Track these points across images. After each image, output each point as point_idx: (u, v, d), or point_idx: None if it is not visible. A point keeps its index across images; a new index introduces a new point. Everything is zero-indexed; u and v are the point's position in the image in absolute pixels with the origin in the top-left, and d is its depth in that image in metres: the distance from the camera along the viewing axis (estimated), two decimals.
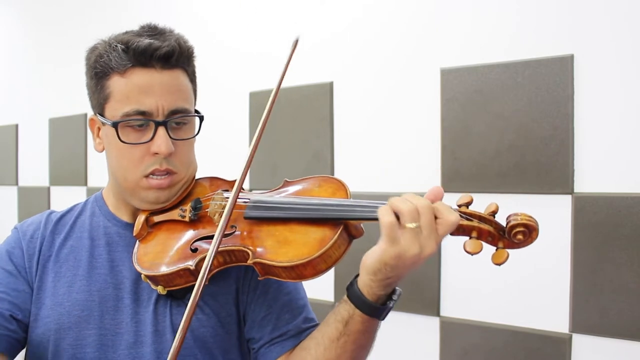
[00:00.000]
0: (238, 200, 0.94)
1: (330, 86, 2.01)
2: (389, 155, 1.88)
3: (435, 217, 0.80)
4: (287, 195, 0.98)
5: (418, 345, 1.81)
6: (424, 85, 1.80)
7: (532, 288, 1.61)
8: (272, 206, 0.93)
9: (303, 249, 0.86)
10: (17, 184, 3.24)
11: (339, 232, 0.86)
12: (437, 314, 1.77)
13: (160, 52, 0.93)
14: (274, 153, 2.13)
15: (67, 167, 2.92)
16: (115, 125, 0.93)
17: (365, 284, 0.84)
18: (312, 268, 0.86)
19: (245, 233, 0.92)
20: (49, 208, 2.99)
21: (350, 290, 0.86)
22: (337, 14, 2.00)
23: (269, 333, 1.00)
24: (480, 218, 0.82)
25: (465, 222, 0.82)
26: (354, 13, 1.96)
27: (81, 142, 2.83)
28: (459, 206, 0.85)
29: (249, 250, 0.89)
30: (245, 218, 0.94)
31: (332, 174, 2.00)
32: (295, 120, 2.07)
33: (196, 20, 2.36)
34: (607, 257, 1.50)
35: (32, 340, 0.98)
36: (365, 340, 0.89)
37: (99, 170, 2.74)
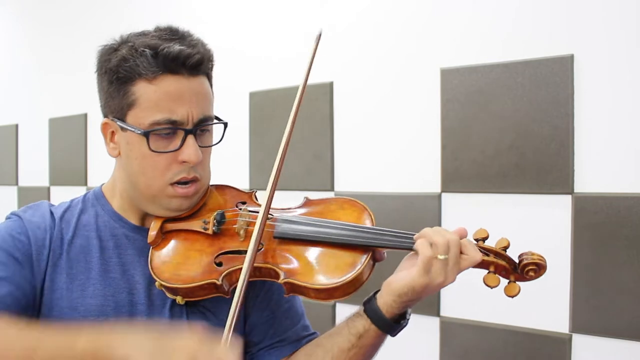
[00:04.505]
0: (268, 218, 0.96)
1: (330, 86, 2.01)
2: (389, 155, 1.88)
3: (461, 252, 0.89)
4: (312, 214, 1.00)
5: (418, 345, 1.81)
6: (423, 85, 1.80)
7: (532, 288, 1.60)
8: (303, 227, 0.96)
9: (335, 272, 0.90)
10: (17, 184, 3.24)
11: (368, 258, 0.92)
12: (437, 314, 1.77)
13: (192, 61, 0.91)
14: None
15: (67, 167, 2.92)
16: (147, 134, 0.91)
17: (387, 304, 0.89)
18: (341, 291, 0.90)
19: (273, 251, 0.95)
20: None
21: (368, 307, 0.91)
22: (337, 14, 2.00)
23: (270, 338, 1.01)
24: (497, 254, 0.92)
25: (485, 258, 0.91)
26: (354, 13, 1.96)
27: (81, 142, 2.82)
28: (476, 240, 0.94)
29: (279, 270, 0.92)
30: (275, 237, 0.96)
31: (332, 174, 2.00)
32: (295, 120, 2.06)
33: (196, 21, 2.36)
34: (607, 257, 1.50)
35: None
36: (373, 352, 0.94)
37: (99, 170, 2.74)
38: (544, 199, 1.59)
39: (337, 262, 0.92)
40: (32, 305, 0.93)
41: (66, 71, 2.90)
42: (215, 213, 0.99)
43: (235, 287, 0.91)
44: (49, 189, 3.03)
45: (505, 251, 0.92)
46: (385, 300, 0.90)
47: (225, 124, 1.01)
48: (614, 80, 1.49)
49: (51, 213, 1.00)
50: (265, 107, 2.18)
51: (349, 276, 0.89)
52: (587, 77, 1.52)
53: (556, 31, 1.57)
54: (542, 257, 0.91)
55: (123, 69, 0.91)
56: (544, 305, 1.59)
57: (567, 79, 1.54)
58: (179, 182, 0.94)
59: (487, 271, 0.92)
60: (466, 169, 1.71)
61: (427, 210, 1.77)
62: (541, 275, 0.92)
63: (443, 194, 1.75)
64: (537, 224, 1.59)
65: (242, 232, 0.96)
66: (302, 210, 1.02)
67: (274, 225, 0.96)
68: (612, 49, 1.49)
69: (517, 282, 0.92)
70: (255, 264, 0.92)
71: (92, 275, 0.96)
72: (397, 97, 1.87)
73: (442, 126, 1.75)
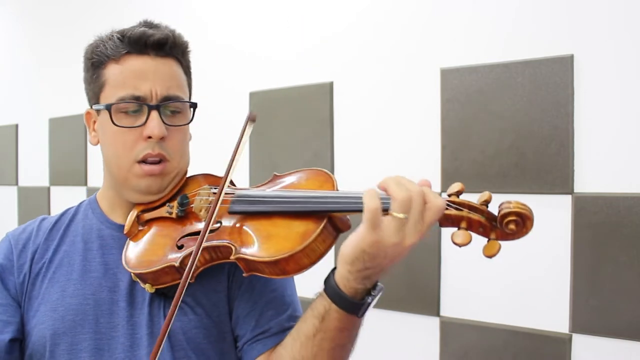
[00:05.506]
0: (224, 195, 0.92)
1: (330, 86, 2.01)
2: (389, 155, 1.88)
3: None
4: (273, 189, 0.95)
5: (418, 345, 1.81)
6: (424, 85, 1.80)
7: (532, 288, 1.61)
8: (256, 200, 0.91)
9: (285, 244, 0.82)
10: (17, 184, 3.24)
11: (322, 225, 0.82)
12: (437, 314, 1.77)
13: (154, 39, 0.96)
14: (274, 153, 2.13)
15: (67, 167, 2.92)
16: (108, 107, 0.95)
17: (343, 276, 0.78)
18: (294, 263, 0.82)
19: (230, 228, 0.91)
20: (49, 208, 2.99)
21: (327, 283, 0.81)
22: (337, 14, 2.00)
23: (252, 330, 0.97)
24: (471, 207, 0.78)
25: (454, 212, 0.78)
26: (354, 13, 1.96)
27: (81, 142, 2.82)
28: (449, 195, 0.81)
29: (232, 246, 0.86)
30: (230, 213, 0.92)
31: (332, 174, 2.00)
32: (295, 120, 2.07)
33: (196, 21, 2.36)
34: (607, 257, 1.50)
35: (29, 351, 0.96)
36: (343, 338, 0.83)
37: (99, 170, 2.74)
38: (544, 199, 1.59)
39: (289, 232, 0.83)
40: (19, 323, 0.97)
41: (66, 71, 2.89)
42: (179, 197, 0.99)
43: (199, 272, 0.91)
44: (49, 189, 3.03)
45: (486, 206, 0.78)
46: (341, 273, 0.78)
47: (194, 105, 1.02)
48: (614, 80, 1.49)
49: (40, 227, 1.04)
50: (265, 107, 2.18)
51: (299, 246, 0.80)
52: (587, 77, 1.52)
53: (556, 31, 1.57)
54: (524, 205, 0.75)
55: (95, 54, 0.98)
56: (544, 305, 1.59)
57: (567, 79, 1.54)
58: (145, 161, 0.96)
59: (457, 228, 0.77)
60: (466, 169, 1.71)
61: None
62: (528, 230, 0.75)
63: (443, 194, 1.75)
64: (537, 224, 1.59)
65: (202, 212, 0.95)
66: (267, 186, 0.98)
67: (230, 201, 0.93)
68: (612, 49, 1.49)
69: (498, 240, 0.77)
70: (212, 244, 0.88)
71: (73, 277, 0.98)
72: (397, 97, 1.87)
73: (442, 126, 1.75)
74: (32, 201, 3.12)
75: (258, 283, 1.00)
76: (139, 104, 0.95)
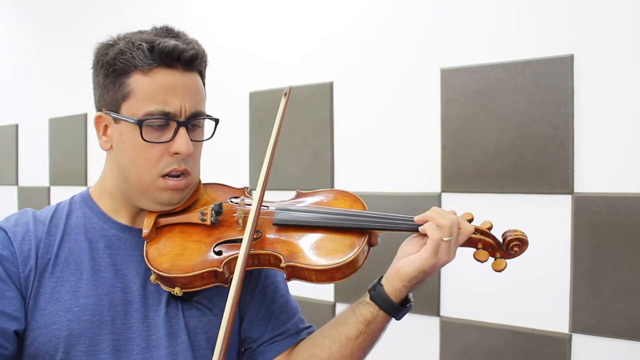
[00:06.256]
0: (263, 207, 1.01)
1: (330, 86, 2.01)
2: (389, 155, 1.89)
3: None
4: (304, 205, 1.04)
5: (418, 345, 1.81)
6: (424, 85, 1.80)
7: (532, 288, 1.61)
8: (301, 213, 0.99)
9: (335, 254, 0.94)
10: (17, 184, 3.24)
11: (365, 240, 0.96)
12: (437, 314, 1.77)
13: (187, 55, 0.94)
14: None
15: (67, 167, 2.92)
16: (140, 123, 0.92)
17: (396, 289, 0.94)
18: (342, 272, 0.94)
19: (272, 238, 0.98)
20: None
21: (375, 294, 0.95)
22: (338, 14, 2.00)
23: (270, 331, 1.04)
24: (482, 232, 0.98)
25: (473, 235, 0.97)
26: (354, 13, 1.96)
27: (81, 142, 2.83)
28: None
29: (279, 255, 0.94)
30: (275, 224, 0.99)
31: (332, 174, 2.00)
32: (295, 120, 2.07)
33: (196, 21, 2.36)
34: (607, 257, 1.50)
35: (33, 350, 0.92)
36: (379, 336, 0.97)
37: (99, 170, 2.74)
38: (544, 199, 1.59)
39: (337, 244, 0.95)
40: (23, 318, 0.92)
41: (66, 71, 2.90)
42: (213, 204, 1.01)
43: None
44: (49, 189, 3.03)
45: (490, 231, 0.98)
46: (395, 287, 0.93)
47: (217, 121, 1.02)
48: (614, 80, 1.49)
49: (36, 220, 0.99)
50: (265, 107, 2.18)
51: (349, 257, 0.93)
52: (587, 77, 1.52)
53: (556, 31, 1.57)
54: (523, 233, 0.97)
55: (119, 62, 0.93)
56: (544, 305, 1.59)
57: (567, 79, 1.54)
58: (170, 175, 0.96)
59: (475, 249, 0.98)
60: (466, 169, 1.71)
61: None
62: (524, 251, 0.97)
63: (443, 194, 1.75)
64: (537, 224, 1.59)
65: (240, 220, 0.98)
66: (297, 201, 1.06)
67: (273, 212, 1.00)
68: (612, 49, 1.49)
69: (503, 259, 0.98)
70: (255, 251, 0.95)
71: (84, 277, 0.95)
72: (397, 97, 1.87)
73: (442, 126, 1.75)
74: (32, 201, 3.12)
75: (269, 289, 1.06)
76: (167, 120, 0.93)
